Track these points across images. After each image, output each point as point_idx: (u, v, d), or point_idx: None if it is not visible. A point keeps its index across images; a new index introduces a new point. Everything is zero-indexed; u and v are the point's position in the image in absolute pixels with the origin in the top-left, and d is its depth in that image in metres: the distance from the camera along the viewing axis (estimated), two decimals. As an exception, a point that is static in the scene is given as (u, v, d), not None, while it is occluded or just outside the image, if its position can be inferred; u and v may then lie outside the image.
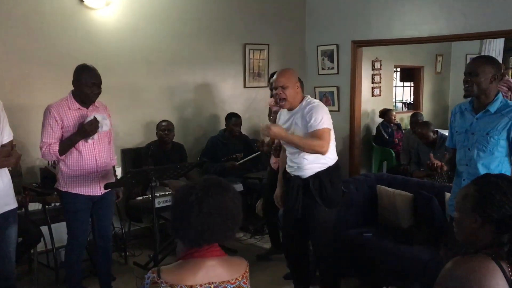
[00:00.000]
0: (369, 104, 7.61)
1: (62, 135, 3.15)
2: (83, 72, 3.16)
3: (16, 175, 3.83)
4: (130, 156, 4.79)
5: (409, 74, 9.35)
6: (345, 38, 5.96)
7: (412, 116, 6.84)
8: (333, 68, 6.15)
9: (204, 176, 1.73)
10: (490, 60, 2.80)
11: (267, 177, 4.52)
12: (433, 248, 3.44)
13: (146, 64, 4.91)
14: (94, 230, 3.44)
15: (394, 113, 7.56)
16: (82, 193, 3.23)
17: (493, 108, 2.73)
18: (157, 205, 3.68)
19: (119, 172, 4.04)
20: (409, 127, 6.94)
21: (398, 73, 9.28)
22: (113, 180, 3.40)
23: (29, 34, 4.17)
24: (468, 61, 8.99)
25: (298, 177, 3.22)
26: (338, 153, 3.37)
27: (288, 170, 3.33)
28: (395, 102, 9.38)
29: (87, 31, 4.47)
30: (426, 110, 9.14)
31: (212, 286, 1.58)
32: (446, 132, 5.52)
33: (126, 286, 3.85)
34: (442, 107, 9.58)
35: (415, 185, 4.13)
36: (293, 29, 6.23)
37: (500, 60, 6.63)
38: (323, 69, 6.24)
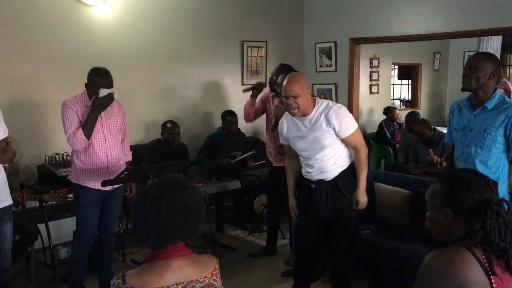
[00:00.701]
0: (367, 101, 7.61)
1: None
2: (97, 77, 3.15)
3: (13, 173, 3.82)
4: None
5: (407, 72, 9.35)
6: (343, 35, 5.95)
7: (408, 115, 6.82)
8: (331, 65, 6.15)
9: (164, 175, 1.68)
10: (491, 56, 2.82)
11: (268, 174, 4.52)
12: (430, 245, 3.43)
13: (144, 61, 4.90)
14: (99, 224, 3.43)
15: (397, 111, 7.54)
16: (92, 187, 3.26)
17: (490, 104, 2.74)
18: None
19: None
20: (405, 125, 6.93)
21: (396, 71, 9.29)
22: None
23: (26, 32, 4.14)
24: (466, 58, 8.99)
25: (322, 181, 3.16)
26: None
27: (307, 176, 3.24)
28: (393, 99, 9.38)
29: (85, 28, 4.46)
30: (424, 108, 9.15)
31: (180, 286, 1.56)
32: (443, 130, 5.54)
33: (124, 283, 3.83)
34: (439, 104, 9.59)
35: (413, 183, 4.13)
36: (291, 26, 6.22)
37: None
38: (321, 66, 6.23)
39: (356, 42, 5.91)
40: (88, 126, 3.13)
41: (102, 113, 3.22)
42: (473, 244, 1.56)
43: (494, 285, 1.51)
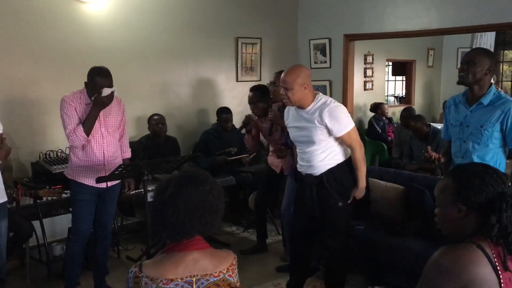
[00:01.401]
0: (362, 98, 7.63)
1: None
2: (97, 77, 3.14)
3: (6, 170, 3.80)
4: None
5: (401, 68, 9.37)
6: (337, 32, 5.96)
7: (403, 111, 6.86)
8: (325, 62, 6.16)
9: (183, 170, 1.71)
10: (489, 52, 2.86)
11: (263, 173, 4.51)
12: (424, 240, 3.46)
13: (138, 57, 4.89)
14: (95, 221, 3.44)
15: (386, 106, 7.58)
16: (88, 184, 3.26)
17: (486, 100, 2.76)
18: (149, 199, 3.66)
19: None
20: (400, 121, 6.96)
21: (390, 67, 9.31)
22: None
23: (20, 30, 4.12)
24: (460, 55, 9.04)
25: (310, 175, 3.19)
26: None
27: (299, 169, 3.29)
28: (387, 96, 9.41)
29: (79, 25, 4.44)
30: (418, 104, 9.18)
31: (194, 279, 1.57)
32: (438, 126, 5.57)
33: (119, 279, 3.84)
34: (434, 100, 9.62)
35: (407, 178, 4.14)
36: (286, 23, 6.22)
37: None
38: (315, 62, 6.24)
39: (350, 38, 5.92)
40: (88, 123, 3.13)
41: (101, 111, 3.22)
42: (483, 240, 1.53)
43: (502, 283, 1.49)
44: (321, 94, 3.19)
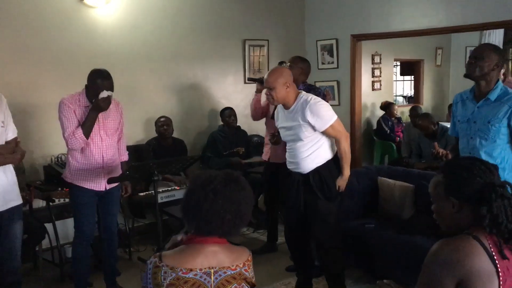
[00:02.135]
0: (370, 98, 7.64)
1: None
2: (98, 79, 3.16)
3: (19, 172, 3.86)
4: (131, 153, 4.77)
5: (409, 68, 9.37)
6: (344, 32, 5.97)
7: (411, 110, 6.87)
8: (333, 62, 6.18)
9: (226, 169, 1.73)
10: (497, 48, 2.87)
11: (264, 171, 4.55)
12: (434, 237, 3.46)
13: (146, 61, 4.94)
14: (99, 224, 3.47)
15: (396, 107, 7.58)
16: (87, 187, 3.28)
17: (493, 96, 2.77)
18: (160, 200, 3.72)
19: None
20: (409, 120, 6.96)
21: (399, 67, 9.30)
22: None
23: (30, 34, 4.19)
24: (468, 54, 9.00)
25: (297, 173, 3.27)
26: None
27: (288, 166, 3.36)
28: (396, 96, 9.40)
29: (88, 30, 4.50)
30: (427, 103, 9.16)
31: (212, 270, 1.61)
32: (447, 125, 5.56)
33: (131, 281, 3.88)
34: (442, 100, 9.59)
35: (416, 176, 4.14)
36: (293, 24, 6.25)
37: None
38: (323, 63, 6.26)
39: (357, 38, 5.93)
40: (87, 125, 3.14)
41: (100, 114, 3.23)
42: (480, 231, 1.57)
43: (500, 272, 1.52)
44: (303, 92, 3.29)
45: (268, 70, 5.86)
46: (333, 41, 6.09)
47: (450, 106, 4.65)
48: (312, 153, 3.20)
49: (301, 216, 3.33)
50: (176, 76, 5.22)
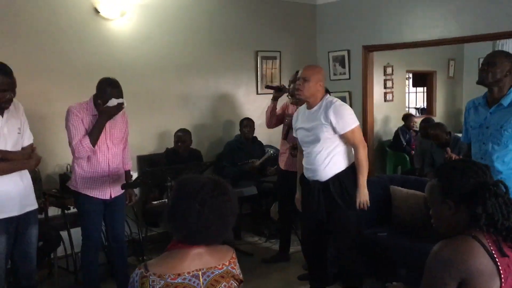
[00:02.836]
0: (382, 109, 7.64)
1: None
2: (108, 88, 3.22)
3: (36, 181, 3.93)
4: (145, 163, 4.88)
5: (422, 79, 9.35)
6: (356, 43, 6.01)
7: (422, 121, 6.83)
8: (344, 73, 6.21)
9: (214, 177, 1.71)
10: (509, 54, 2.90)
11: (278, 180, 4.56)
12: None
13: (160, 72, 5.02)
14: (107, 233, 3.51)
15: (414, 119, 7.55)
16: (93, 195, 3.32)
17: (506, 101, 2.78)
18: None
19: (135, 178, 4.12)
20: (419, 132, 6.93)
21: (411, 79, 9.30)
22: None
23: (46, 45, 4.29)
24: (480, 65, 8.97)
25: (317, 181, 3.24)
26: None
27: (305, 174, 3.34)
28: (408, 108, 9.38)
29: (103, 41, 4.60)
30: (440, 115, 9.13)
31: (200, 272, 1.61)
32: (460, 135, 5.54)
33: (144, 288, 3.90)
34: (455, 111, 9.55)
35: (429, 185, 4.13)
36: (304, 36, 6.32)
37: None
38: (334, 74, 6.29)
39: (369, 49, 5.97)
40: (95, 134, 3.18)
41: (107, 123, 3.27)
42: (478, 231, 1.59)
43: (501, 271, 1.54)
44: (329, 95, 3.30)
45: (280, 81, 5.98)
46: (345, 52, 6.13)
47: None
48: (330, 158, 3.18)
49: (320, 224, 3.31)
50: (189, 87, 5.29)
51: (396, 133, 7.39)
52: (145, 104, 4.90)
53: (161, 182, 3.25)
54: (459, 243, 1.58)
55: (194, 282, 1.59)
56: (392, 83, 7.83)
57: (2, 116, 2.77)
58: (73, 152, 3.27)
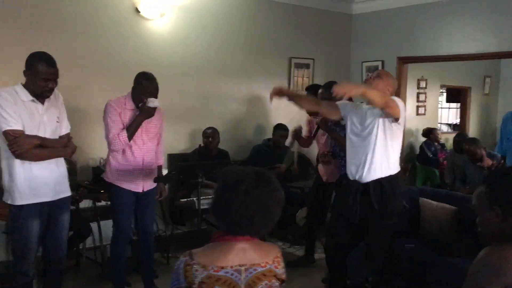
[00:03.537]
0: (414, 122, 7.55)
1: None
2: (143, 81, 3.34)
3: (72, 173, 4.04)
4: (176, 161, 4.94)
5: (456, 95, 9.21)
6: (391, 54, 5.98)
7: (456, 136, 6.71)
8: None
9: (258, 168, 1.71)
10: None
11: (313, 186, 4.54)
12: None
13: (195, 73, 5.11)
14: (137, 225, 3.58)
15: (439, 132, 7.47)
16: (126, 188, 3.40)
17: None
18: (203, 206, 3.80)
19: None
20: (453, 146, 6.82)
21: (445, 94, 9.17)
22: None
23: (88, 42, 4.44)
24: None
25: (357, 182, 3.16)
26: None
27: (348, 171, 3.25)
28: (441, 123, 9.24)
29: (142, 40, 4.72)
30: (473, 133, 8.94)
31: (243, 268, 1.62)
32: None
33: (168, 284, 3.92)
34: (489, 130, 9.35)
35: (460, 199, 4.05)
36: (338, 45, 6.33)
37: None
38: (367, 85, 6.26)
39: (404, 61, 5.92)
40: (132, 129, 3.29)
41: None
42: None
43: None
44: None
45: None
46: (379, 63, 6.10)
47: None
48: (377, 158, 3.09)
49: (350, 226, 3.24)
50: (222, 89, 5.36)
51: (421, 148, 7.32)
52: (178, 103, 4.98)
53: (192, 178, 3.30)
54: (507, 251, 1.55)
55: (236, 277, 1.60)
56: (425, 97, 7.73)
57: (43, 105, 2.87)
58: (109, 145, 3.37)
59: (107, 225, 4.37)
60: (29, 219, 2.80)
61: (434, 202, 4.08)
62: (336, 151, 3.95)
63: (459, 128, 9.19)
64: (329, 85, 3.82)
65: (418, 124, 7.66)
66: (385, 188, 3.09)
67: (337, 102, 3.30)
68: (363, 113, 3.17)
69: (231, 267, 1.60)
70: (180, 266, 1.60)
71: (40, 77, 2.75)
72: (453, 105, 9.62)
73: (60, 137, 2.98)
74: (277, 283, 1.68)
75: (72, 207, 3.88)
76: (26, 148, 2.72)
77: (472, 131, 9.00)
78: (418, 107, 7.67)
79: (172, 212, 4.68)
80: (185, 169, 3.42)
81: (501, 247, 1.58)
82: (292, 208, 5.28)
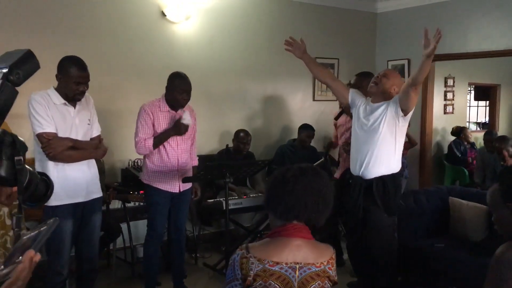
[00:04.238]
0: (441, 121, 7.43)
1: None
2: (176, 79, 3.44)
3: (100, 173, 4.12)
4: (203, 162, 4.98)
5: (484, 93, 9.03)
6: (417, 53, 5.79)
7: (486, 134, 6.59)
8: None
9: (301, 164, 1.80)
10: None
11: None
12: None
13: (221, 74, 5.15)
14: (170, 224, 3.62)
15: (469, 131, 7.34)
16: (162, 188, 3.46)
17: None
18: (231, 206, 3.85)
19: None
20: (483, 145, 6.70)
21: (473, 92, 8.99)
22: None
23: (117, 46, 4.52)
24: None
25: (360, 177, 3.23)
26: (408, 170, 3.37)
27: (352, 168, 3.33)
28: (469, 122, 9.07)
29: (168, 43, 4.79)
30: (503, 131, 8.74)
31: (297, 265, 1.64)
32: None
33: (196, 284, 3.99)
34: (521, 128, 9.13)
35: (491, 198, 3.99)
36: (363, 44, 6.28)
37: None
38: (393, 83, 6.19)
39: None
40: (159, 139, 3.39)
41: (177, 117, 3.45)
42: None
43: None
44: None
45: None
46: (405, 61, 6.03)
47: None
48: (381, 154, 3.15)
49: (359, 222, 3.29)
50: (248, 90, 5.39)
51: (450, 147, 7.19)
52: (204, 105, 5.03)
53: (220, 178, 3.33)
54: None
55: (290, 274, 1.63)
56: (453, 95, 7.61)
57: (75, 108, 2.94)
58: (135, 146, 3.44)
59: (137, 226, 4.45)
60: (63, 219, 2.86)
61: (465, 201, 4.02)
62: None
63: (488, 127, 9.00)
64: (364, 74, 3.88)
65: (445, 123, 7.54)
66: (387, 185, 3.15)
67: (350, 89, 3.44)
68: (371, 107, 3.22)
69: (286, 263, 1.63)
70: (236, 259, 1.65)
71: (72, 80, 2.82)
72: (482, 103, 9.43)
73: (91, 139, 3.05)
74: (329, 285, 1.70)
75: (103, 208, 3.97)
76: (59, 150, 2.79)
77: (502, 129, 8.80)
78: (445, 105, 7.54)
79: (199, 212, 4.72)
80: (213, 169, 3.45)
81: None
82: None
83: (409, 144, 4.65)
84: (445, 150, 7.39)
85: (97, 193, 3.07)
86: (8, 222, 3.15)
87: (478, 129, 9.41)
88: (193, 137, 3.68)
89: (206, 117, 5.03)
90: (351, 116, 3.87)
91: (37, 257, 1.17)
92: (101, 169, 4.11)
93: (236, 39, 5.23)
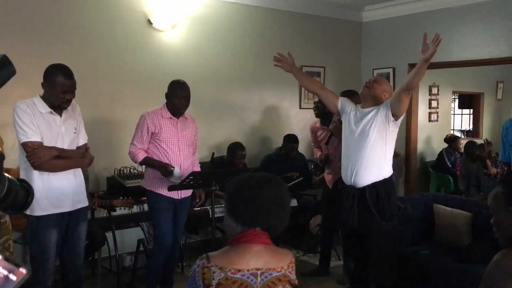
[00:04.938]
0: (426, 129, 7.50)
1: (151, 142, 3.49)
2: (175, 85, 3.49)
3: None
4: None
5: (468, 101, 9.15)
6: (402, 61, 5.98)
7: (466, 144, 6.66)
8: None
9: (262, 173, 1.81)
10: None
11: (323, 194, 4.56)
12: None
13: (208, 82, 5.15)
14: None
15: (461, 141, 7.38)
16: (164, 194, 3.46)
17: None
18: (217, 214, 3.83)
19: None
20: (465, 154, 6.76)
21: (457, 101, 9.11)
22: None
23: (103, 54, 4.51)
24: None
25: (353, 187, 3.24)
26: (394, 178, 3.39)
27: (343, 176, 3.35)
28: (453, 129, 9.18)
29: (155, 51, 4.79)
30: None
31: (259, 271, 1.64)
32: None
33: (182, 292, 3.96)
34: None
35: (474, 205, 4.05)
36: (349, 53, 6.34)
37: None
38: (378, 92, 6.25)
39: (415, 67, 5.90)
40: (149, 164, 3.48)
41: (179, 124, 3.52)
42: None
43: None
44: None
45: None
46: (390, 70, 6.11)
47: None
48: (372, 161, 3.16)
49: (354, 232, 3.32)
50: (235, 98, 5.40)
51: (440, 155, 7.22)
52: (191, 112, 4.97)
53: (206, 186, 3.33)
54: None
55: (252, 280, 1.63)
56: (438, 103, 7.70)
57: (61, 116, 2.92)
58: (128, 151, 3.51)
59: (121, 235, 4.42)
60: (48, 229, 2.84)
61: (449, 208, 4.07)
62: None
63: (472, 135, 9.12)
64: (348, 93, 3.92)
65: (430, 131, 7.62)
66: (380, 192, 3.17)
67: (340, 97, 3.45)
68: (362, 113, 3.24)
69: (248, 270, 1.63)
70: (197, 270, 1.64)
71: (58, 89, 2.81)
72: (466, 111, 9.56)
73: (78, 147, 3.03)
74: None
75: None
76: (44, 159, 2.77)
77: (485, 136, 8.92)
78: (430, 113, 7.62)
79: (186, 220, 4.69)
80: (201, 176, 3.44)
81: None
82: (305, 216, 5.29)
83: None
84: (429, 158, 7.45)
85: (83, 202, 3.05)
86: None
87: (463, 136, 9.52)
88: (195, 145, 3.72)
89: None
90: (340, 139, 3.90)
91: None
92: (85, 176, 4.10)
93: (222, 47, 5.25)
